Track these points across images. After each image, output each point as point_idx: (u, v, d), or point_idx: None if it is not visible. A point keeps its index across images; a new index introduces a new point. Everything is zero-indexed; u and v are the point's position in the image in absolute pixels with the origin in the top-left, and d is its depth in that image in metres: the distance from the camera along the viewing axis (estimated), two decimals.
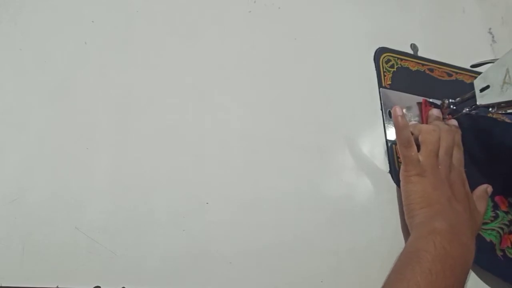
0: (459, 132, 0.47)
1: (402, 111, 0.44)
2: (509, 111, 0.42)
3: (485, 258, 0.43)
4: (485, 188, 0.45)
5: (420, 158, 0.42)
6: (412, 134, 0.44)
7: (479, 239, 0.43)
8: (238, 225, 0.38)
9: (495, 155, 0.49)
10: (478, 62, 0.49)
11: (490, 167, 0.48)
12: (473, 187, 0.45)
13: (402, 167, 0.43)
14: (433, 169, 0.41)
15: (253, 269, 0.37)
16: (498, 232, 0.45)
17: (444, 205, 0.40)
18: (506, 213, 0.47)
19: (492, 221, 0.46)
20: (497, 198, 0.47)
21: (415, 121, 0.49)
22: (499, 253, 0.44)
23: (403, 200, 0.42)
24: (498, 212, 0.46)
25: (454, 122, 0.47)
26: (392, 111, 0.45)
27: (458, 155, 0.45)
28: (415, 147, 0.42)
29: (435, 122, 0.46)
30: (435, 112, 0.47)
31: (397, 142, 0.44)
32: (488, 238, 0.44)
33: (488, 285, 0.43)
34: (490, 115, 0.51)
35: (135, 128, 0.39)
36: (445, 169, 0.42)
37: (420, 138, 0.43)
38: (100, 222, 0.35)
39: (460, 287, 0.36)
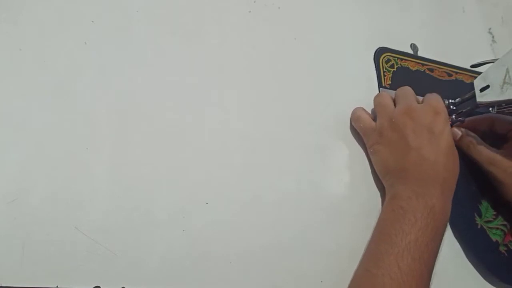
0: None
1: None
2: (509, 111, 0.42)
3: (490, 258, 0.43)
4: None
5: (374, 124, 0.43)
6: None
7: (485, 239, 0.44)
8: (238, 225, 0.38)
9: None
10: (478, 62, 0.48)
11: None
12: (473, 187, 0.45)
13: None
14: (387, 127, 0.41)
15: (253, 269, 0.37)
16: (502, 230, 0.45)
17: (401, 166, 0.40)
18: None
19: (494, 219, 0.46)
20: None
21: None
22: (503, 249, 0.44)
23: None
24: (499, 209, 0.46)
25: (458, 132, 0.46)
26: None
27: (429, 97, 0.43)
28: (365, 118, 0.44)
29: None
30: None
31: (352, 123, 0.46)
32: (494, 238, 0.44)
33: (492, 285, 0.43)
34: None
35: (135, 128, 0.39)
36: (403, 118, 0.40)
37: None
38: (100, 222, 0.35)
39: (428, 237, 0.35)
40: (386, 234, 0.36)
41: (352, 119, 0.46)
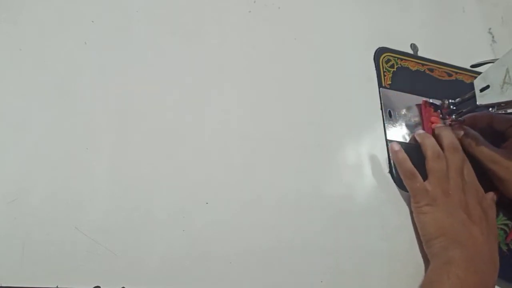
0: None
1: (399, 146, 0.44)
2: (509, 111, 0.42)
3: None
4: (492, 197, 0.45)
5: (428, 187, 0.42)
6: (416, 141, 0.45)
7: None
8: (238, 225, 0.38)
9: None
10: (478, 62, 0.49)
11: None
12: None
13: (411, 198, 0.43)
14: (443, 196, 0.41)
15: (253, 269, 0.37)
16: (503, 229, 0.45)
17: (458, 231, 0.39)
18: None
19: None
20: None
21: (415, 121, 0.49)
22: (504, 248, 0.44)
23: (418, 231, 0.42)
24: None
25: (460, 131, 0.47)
26: (389, 148, 0.45)
27: (467, 170, 0.44)
28: (419, 177, 0.42)
29: (443, 139, 0.45)
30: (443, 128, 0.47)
31: (400, 175, 0.44)
32: None
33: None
34: None
35: (135, 128, 0.39)
36: (458, 193, 0.41)
37: (426, 166, 0.43)
38: (100, 222, 0.35)
39: None
40: None
41: (402, 173, 0.43)
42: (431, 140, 0.44)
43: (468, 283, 0.35)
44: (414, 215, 0.42)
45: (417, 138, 0.46)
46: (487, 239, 0.40)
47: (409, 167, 0.43)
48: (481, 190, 0.44)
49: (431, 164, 0.43)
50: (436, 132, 0.46)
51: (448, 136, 0.45)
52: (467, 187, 0.43)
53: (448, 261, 0.37)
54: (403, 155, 0.43)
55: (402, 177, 0.44)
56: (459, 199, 0.41)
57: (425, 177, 0.43)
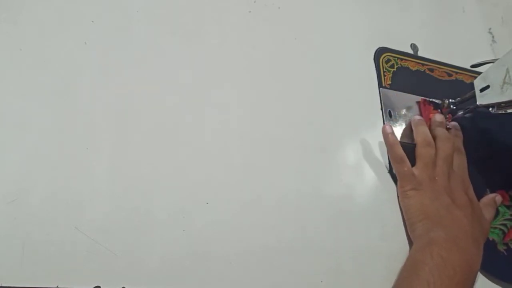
0: (460, 135, 0.47)
1: (392, 128, 0.45)
2: (509, 111, 0.42)
3: (486, 257, 0.43)
4: (494, 197, 0.45)
5: (415, 171, 0.42)
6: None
7: None
8: (238, 225, 0.38)
9: (493, 149, 0.49)
10: (478, 62, 0.49)
11: (489, 162, 0.48)
12: (474, 184, 0.45)
13: (398, 183, 0.43)
14: (429, 181, 0.42)
15: (253, 269, 0.37)
16: (501, 229, 0.45)
17: (442, 215, 0.40)
18: (508, 207, 0.47)
19: (494, 218, 0.46)
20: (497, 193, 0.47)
21: None
22: (502, 248, 0.44)
23: (404, 215, 0.42)
24: (498, 208, 0.46)
25: (455, 124, 0.47)
26: (382, 130, 0.46)
27: (458, 161, 0.45)
28: (408, 162, 0.43)
29: (436, 130, 0.45)
30: (438, 118, 0.47)
31: (390, 159, 0.45)
32: (490, 237, 0.44)
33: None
34: None
35: (135, 128, 0.39)
36: (443, 179, 0.42)
37: (416, 152, 0.44)
38: (100, 222, 0.35)
39: None
40: (424, 280, 0.35)
41: (392, 157, 0.44)
42: (424, 128, 0.45)
43: (452, 262, 0.36)
44: (399, 199, 0.43)
45: (412, 124, 0.46)
46: (471, 223, 0.40)
47: (399, 151, 0.43)
48: (468, 181, 0.45)
49: (420, 150, 0.43)
50: (432, 127, 0.47)
51: (442, 128, 0.46)
52: (453, 175, 0.43)
53: (431, 242, 0.38)
54: (394, 139, 0.44)
55: (391, 160, 0.44)
56: (444, 184, 0.42)
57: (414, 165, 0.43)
